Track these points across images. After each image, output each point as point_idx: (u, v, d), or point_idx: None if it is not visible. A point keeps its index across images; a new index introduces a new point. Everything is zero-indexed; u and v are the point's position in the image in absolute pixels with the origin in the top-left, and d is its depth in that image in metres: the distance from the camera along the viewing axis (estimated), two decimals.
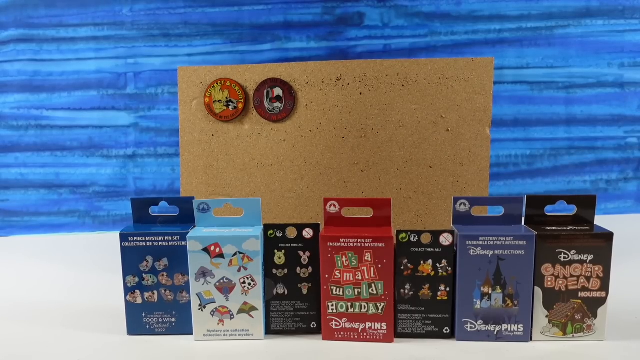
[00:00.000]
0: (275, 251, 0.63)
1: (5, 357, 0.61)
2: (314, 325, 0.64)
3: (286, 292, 0.63)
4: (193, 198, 0.66)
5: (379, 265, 0.60)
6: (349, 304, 0.61)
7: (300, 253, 0.63)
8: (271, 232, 0.63)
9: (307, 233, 0.62)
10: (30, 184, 1.17)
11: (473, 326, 0.61)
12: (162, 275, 0.64)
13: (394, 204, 0.80)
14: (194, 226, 0.65)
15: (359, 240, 0.60)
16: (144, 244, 0.63)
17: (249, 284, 0.62)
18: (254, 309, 0.62)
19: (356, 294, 0.61)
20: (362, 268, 0.60)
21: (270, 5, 1.09)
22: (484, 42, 1.10)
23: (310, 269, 0.63)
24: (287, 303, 0.63)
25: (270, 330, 0.64)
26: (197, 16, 1.10)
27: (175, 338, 0.64)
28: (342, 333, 0.62)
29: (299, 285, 0.63)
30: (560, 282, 0.60)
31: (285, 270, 0.63)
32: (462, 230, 0.61)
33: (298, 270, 0.63)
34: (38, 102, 1.14)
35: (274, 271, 0.63)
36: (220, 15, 1.10)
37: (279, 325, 0.64)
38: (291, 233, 0.63)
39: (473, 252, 0.60)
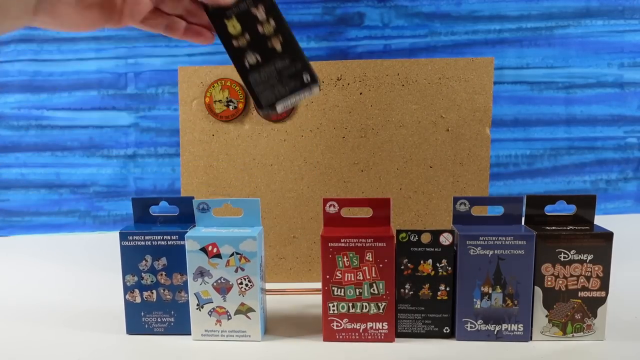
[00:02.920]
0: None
1: (5, 356, 0.61)
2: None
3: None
4: (193, 198, 0.66)
5: (380, 265, 0.60)
6: (350, 305, 0.61)
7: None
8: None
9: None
10: (31, 184, 1.17)
11: (473, 326, 0.62)
12: (161, 274, 0.64)
13: (394, 204, 0.80)
14: (194, 226, 0.65)
15: (360, 240, 0.60)
16: (143, 243, 0.64)
17: (246, 285, 0.62)
18: (251, 310, 0.62)
19: (357, 294, 0.61)
20: (364, 268, 0.60)
21: None
22: (484, 42, 1.10)
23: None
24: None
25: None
26: None
27: (174, 338, 0.64)
28: (343, 334, 0.62)
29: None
30: (560, 281, 0.60)
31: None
32: (462, 230, 0.61)
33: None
34: (39, 102, 1.14)
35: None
36: None
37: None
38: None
39: (473, 252, 0.60)
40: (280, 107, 0.49)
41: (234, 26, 0.50)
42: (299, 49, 0.49)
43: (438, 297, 0.62)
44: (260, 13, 0.50)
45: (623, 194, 1.16)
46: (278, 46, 0.49)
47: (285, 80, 0.50)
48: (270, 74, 0.50)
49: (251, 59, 0.50)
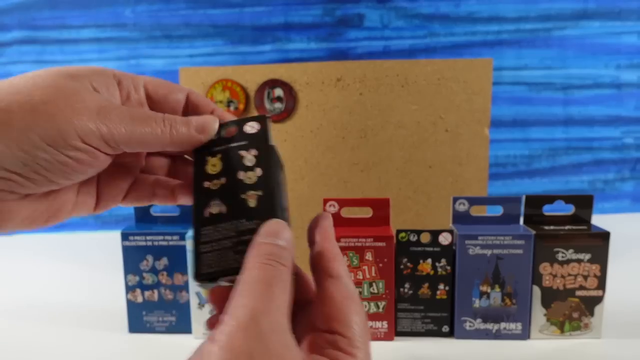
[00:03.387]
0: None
1: (7, 354, 0.61)
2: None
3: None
4: None
5: (380, 265, 0.61)
6: None
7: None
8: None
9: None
10: None
11: (472, 325, 0.62)
12: (162, 274, 0.65)
13: (394, 204, 0.80)
14: None
15: (360, 239, 0.60)
16: (144, 243, 0.64)
17: None
18: None
19: None
20: (363, 267, 0.61)
21: (270, 6, 1.10)
22: (483, 44, 1.11)
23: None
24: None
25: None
26: (198, 17, 1.10)
27: (175, 337, 0.65)
28: None
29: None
30: (558, 280, 0.61)
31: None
32: (461, 229, 0.62)
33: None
34: None
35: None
36: (221, 16, 1.10)
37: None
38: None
39: (472, 252, 0.61)
40: (222, 282, 0.35)
41: (214, 165, 0.38)
42: (277, 212, 0.35)
43: (437, 296, 0.62)
44: (249, 156, 0.38)
45: (620, 194, 1.17)
46: (253, 201, 0.36)
47: (241, 250, 0.33)
48: (228, 234, 0.35)
49: (214, 208, 0.36)
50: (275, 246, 0.30)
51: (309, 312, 0.33)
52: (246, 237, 0.33)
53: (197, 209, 0.37)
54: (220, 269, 0.34)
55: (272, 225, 0.32)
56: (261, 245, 0.30)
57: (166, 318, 0.65)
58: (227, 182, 0.37)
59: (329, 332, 0.30)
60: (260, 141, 0.39)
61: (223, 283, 0.35)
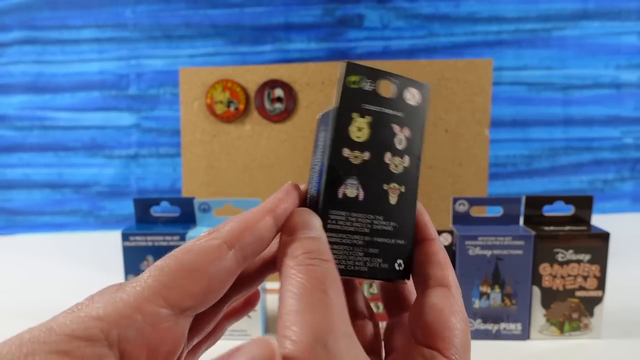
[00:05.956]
0: None
1: None
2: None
3: None
4: (193, 198, 0.66)
5: None
6: None
7: None
8: None
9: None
10: (34, 184, 1.17)
11: (472, 325, 0.62)
12: None
13: None
14: (195, 226, 0.66)
15: None
16: (144, 243, 0.64)
17: None
18: None
19: None
20: None
21: (270, 6, 1.10)
22: (483, 44, 1.11)
23: None
24: None
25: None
26: (198, 18, 1.10)
27: None
28: None
29: None
30: (558, 281, 0.61)
31: None
32: (461, 230, 0.62)
33: None
34: (42, 103, 1.14)
35: None
36: (221, 16, 1.10)
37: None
38: None
39: (472, 252, 0.61)
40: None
41: (360, 129, 0.30)
42: (414, 221, 0.31)
43: None
44: (401, 136, 0.30)
45: (619, 194, 1.17)
46: (394, 197, 0.30)
47: (372, 252, 0.30)
48: (362, 229, 0.29)
49: (351, 190, 0.29)
50: (311, 240, 0.26)
51: (406, 318, 0.29)
52: (380, 239, 0.30)
53: (330, 182, 0.29)
54: (346, 268, 0.29)
55: (299, 215, 0.27)
56: (295, 243, 0.26)
57: None
58: (371, 161, 0.30)
59: (427, 347, 0.26)
60: (417, 120, 0.31)
61: None
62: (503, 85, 1.12)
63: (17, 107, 1.15)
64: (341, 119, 0.29)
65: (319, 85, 0.81)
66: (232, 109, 0.82)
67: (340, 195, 0.29)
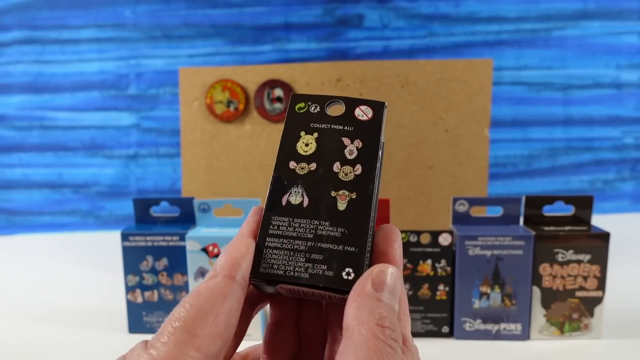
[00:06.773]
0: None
1: (7, 354, 0.61)
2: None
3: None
4: (193, 198, 0.66)
5: None
6: None
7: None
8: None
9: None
10: (34, 184, 1.17)
11: (472, 325, 0.62)
12: (162, 275, 0.65)
13: (394, 204, 0.80)
14: (194, 226, 0.66)
15: None
16: (144, 243, 0.64)
17: None
18: None
19: None
20: None
21: (270, 6, 1.10)
22: (483, 44, 1.11)
23: None
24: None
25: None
26: (198, 17, 1.10)
27: None
28: None
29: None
30: (558, 281, 0.61)
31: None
32: (461, 230, 0.62)
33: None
34: (41, 102, 1.14)
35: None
36: (221, 16, 1.10)
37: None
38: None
39: (472, 252, 0.61)
40: (282, 290, 0.29)
41: (307, 144, 0.32)
42: (367, 227, 0.29)
43: (437, 297, 0.62)
44: (352, 147, 0.31)
45: (620, 194, 1.17)
46: (342, 204, 0.30)
47: (314, 258, 0.29)
48: (305, 235, 0.29)
49: (295, 197, 0.30)
50: (388, 307, 0.24)
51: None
52: (325, 245, 0.29)
53: (274, 191, 0.31)
54: (284, 274, 0.28)
55: (384, 271, 0.25)
56: (369, 302, 0.24)
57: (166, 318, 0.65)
58: (318, 170, 0.31)
59: None
60: (371, 133, 0.32)
61: (278, 290, 0.29)
62: (503, 85, 1.12)
63: (17, 107, 1.15)
64: (288, 138, 0.32)
65: (318, 85, 0.81)
66: (231, 109, 0.82)
67: (283, 202, 0.30)
